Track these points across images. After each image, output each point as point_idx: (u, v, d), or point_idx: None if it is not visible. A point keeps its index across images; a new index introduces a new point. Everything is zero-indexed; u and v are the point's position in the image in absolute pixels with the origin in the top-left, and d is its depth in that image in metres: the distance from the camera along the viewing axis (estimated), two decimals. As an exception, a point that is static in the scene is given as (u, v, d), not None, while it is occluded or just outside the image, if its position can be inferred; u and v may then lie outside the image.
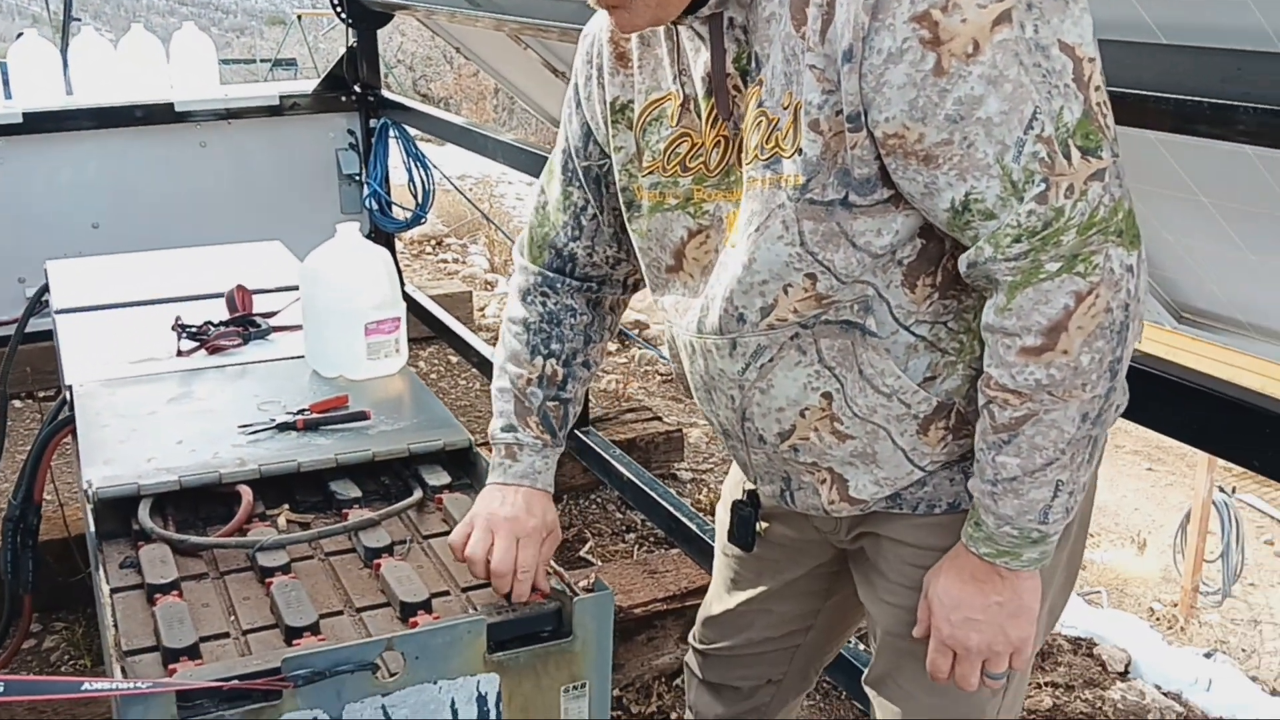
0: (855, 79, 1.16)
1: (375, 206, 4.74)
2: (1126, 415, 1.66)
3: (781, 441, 1.39)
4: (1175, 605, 9.55)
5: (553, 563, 1.54)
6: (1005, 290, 1.18)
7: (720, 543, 1.71)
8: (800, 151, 1.22)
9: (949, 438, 1.35)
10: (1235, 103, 1.43)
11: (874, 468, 1.37)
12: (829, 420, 1.35)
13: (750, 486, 1.56)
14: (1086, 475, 1.26)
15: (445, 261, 7.55)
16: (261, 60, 23.98)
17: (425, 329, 4.69)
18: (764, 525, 1.59)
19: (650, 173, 1.41)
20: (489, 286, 7.09)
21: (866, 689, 1.56)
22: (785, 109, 1.23)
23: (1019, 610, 1.32)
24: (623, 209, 1.49)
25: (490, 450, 1.58)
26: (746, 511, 1.59)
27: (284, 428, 1.86)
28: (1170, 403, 1.58)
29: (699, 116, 1.34)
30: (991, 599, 1.32)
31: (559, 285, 1.58)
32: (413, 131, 4.71)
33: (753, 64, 1.26)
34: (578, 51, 1.51)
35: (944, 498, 1.39)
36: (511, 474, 1.54)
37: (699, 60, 1.32)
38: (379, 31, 4.86)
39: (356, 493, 1.74)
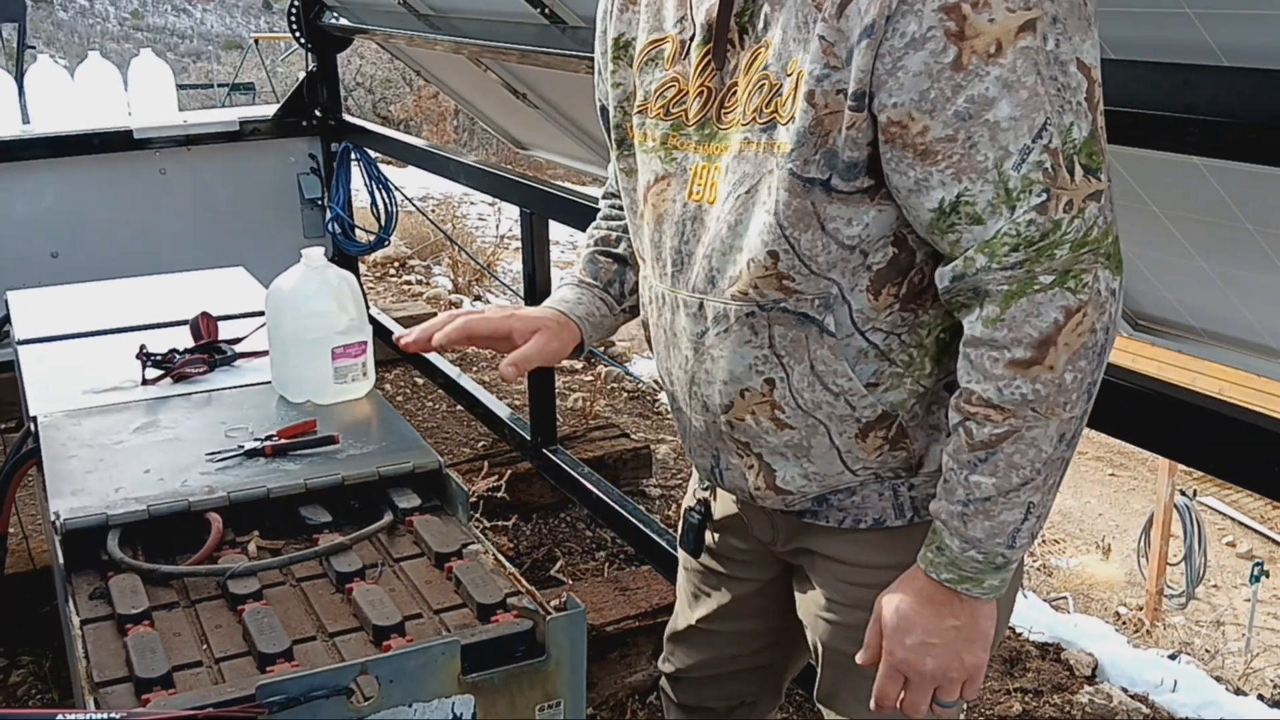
0: (870, 57, 1.15)
1: (338, 230, 4.74)
2: (1088, 423, 1.70)
3: (722, 413, 1.40)
4: (1141, 609, 9.65)
5: (524, 582, 1.54)
6: (999, 300, 1.17)
7: (681, 557, 1.73)
8: (794, 119, 1.21)
9: (885, 448, 1.35)
10: (1184, 115, 1.47)
11: (805, 461, 1.37)
12: (769, 406, 1.35)
13: (702, 495, 1.58)
14: (1053, 501, 1.26)
15: (409, 283, 7.53)
16: (219, 85, 23.85)
17: (391, 351, 4.68)
18: (714, 536, 1.61)
19: (640, 112, 1.42)
20: (453, 307, 7.08)
21: (819, 706, 1.57)
22: (789, 75, 1.22)
23: (975, 635, 1.30)
24: (613, 146, 1.50)
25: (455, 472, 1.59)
26: (695, 519, 1.61)
27: (252, 454, 1.85)
28: (1130, 410, 1.61)
29: (689, 64, 1.35)
30: (948, 623, 1.29)
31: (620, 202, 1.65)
32: (374, 154, 4.71)
33: (759, 22, 1.26)
34: (599, 4, 1.53)
35: (870, 512, 1.40)
36: (549, 301, 1.59)
37: (704, 4, 1.32)
38: (338, 55, 4.86)
39: (327, 517, 1.73)
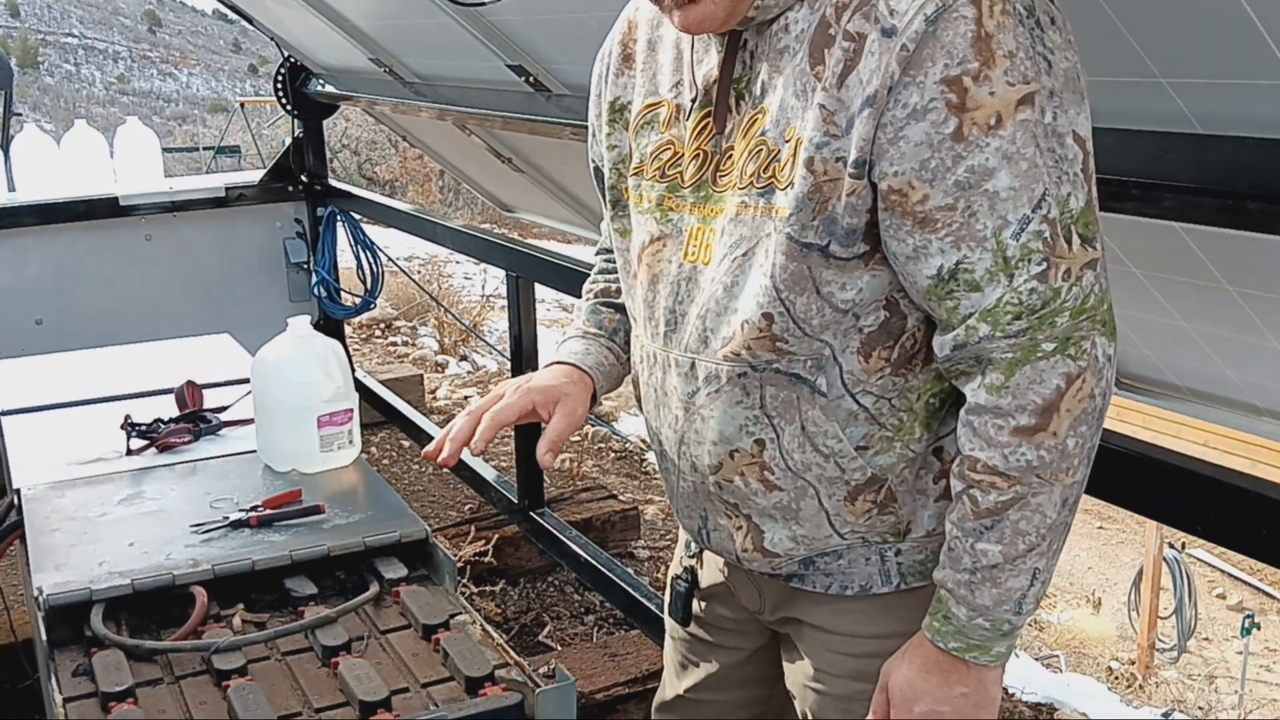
0: (872, 126, 1.17)
1: (324, 294, 4.75)
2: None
3: (710, 475, 1.40)
4: (1133, 664, 9.60)
5: (512, 652, 1.53)
6: (1002, 368, 1.18)
7: (668, 625, 1.72)
8: (792, 185, 1.23)
9: (874, 511, 1.35)
10: (1160, 182, 1.49)
11: (793, 524, 1.37)
12: (758, 468, 1.35)
13: (689, 562, 1.58)
14: (1055, 565, 1.27)
15: (395, 345, 7.54)
16: (205, 148, 24.00)
17: (377, 414, 4.68)
18: (702, 604, 1.60)
19: (636, 174, 1.44)
20: (439, 368, 7.08)
21: None
22: (787, 142, 1.24)
23: (983, 702, 1.30)
24: (607, 207, 1.51)
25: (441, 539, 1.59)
26: (683, 586, 1.60)
27: (237, 525, 1.84)
28: (1116, 471, 1.61)
29: (685, 128, 1.37)
30: (957, 690, 1.29)
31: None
32: (359, 217, 4.74)
33: (756, 89, 1.28)
34: (594, 66, 1.55)
35: (857, 578, 1.40)
36: (557, 355, 1.59)
37: (702, 69, 1.34)
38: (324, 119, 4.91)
39: (313, 589, 1.72)
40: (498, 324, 8.65)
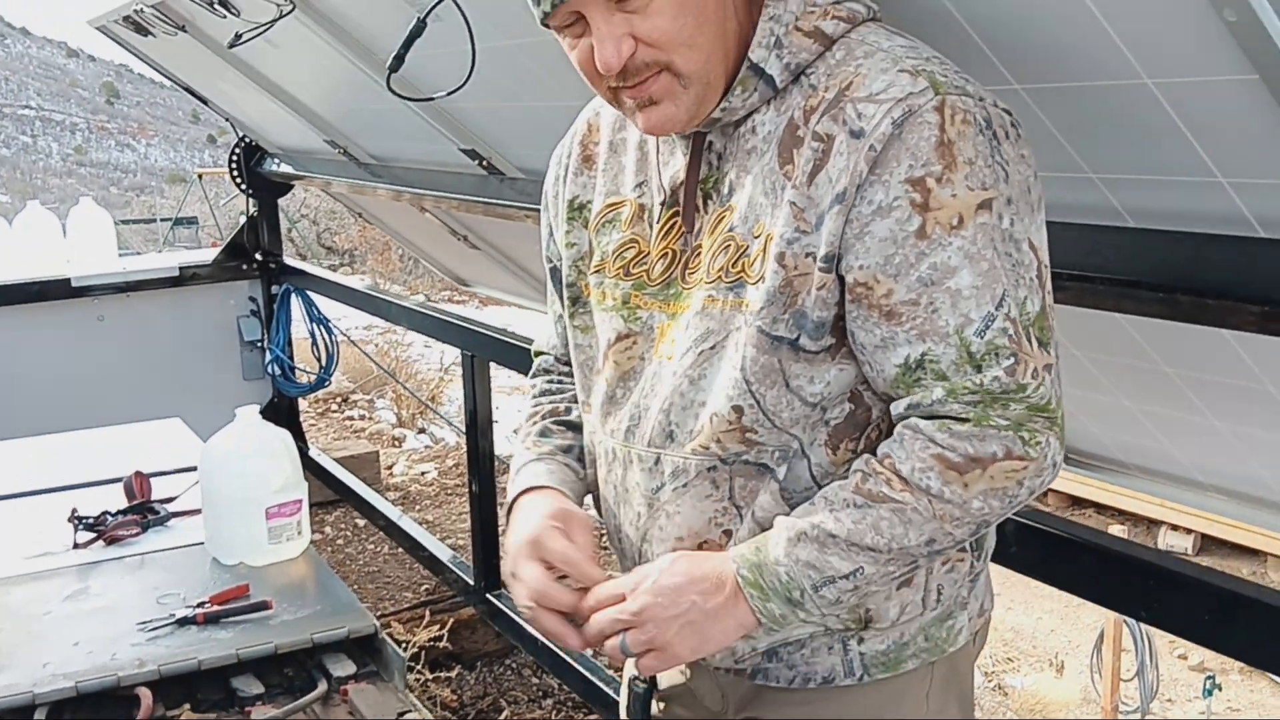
0: (840, 222, 1.19)
1: (278, 372, 4.73)
2: (1022, 570, 1.72)
3: None
4: (1097, 728, 9.57)
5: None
6: (950, 420, 1.18)
7: None
8: (763, 279, 1.25)
9: None
10: (1094, 274, 1.53)
11: None
12: None
13: None
14: (873, 592, 1.26)
15: (351, 419, 7.49)
16: (162, 219, 23.89)
17: (330, 493, 4.64)
18: (661, 706, 1.58)
19: (597, 272, 1.44)
20: (396, 443, 7.04)
21: None
22: (757, 238, 1.26)
23: (718, 626, 1.26)
24: (566, 305, 1.51)
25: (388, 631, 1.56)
26: (641, 689, 1.58)
27: (184, 622, 1.82)
28: (1059, 558, 1.63)
29: (650, 226, 1.38)
30: (712, 600, 1.25)
31: (555, 367, 1.65)
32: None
33: (724, 188, 1.30)
34: (549, 168, 1.56)
35: (819, 669, 1.38)
36: (515, 488, 1.50)
37: (668, 170, 1.36)
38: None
39: (259, 688, 1.70)
40: (458, 393, 8.62)
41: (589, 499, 1.51)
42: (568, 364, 1.62)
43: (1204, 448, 2.21)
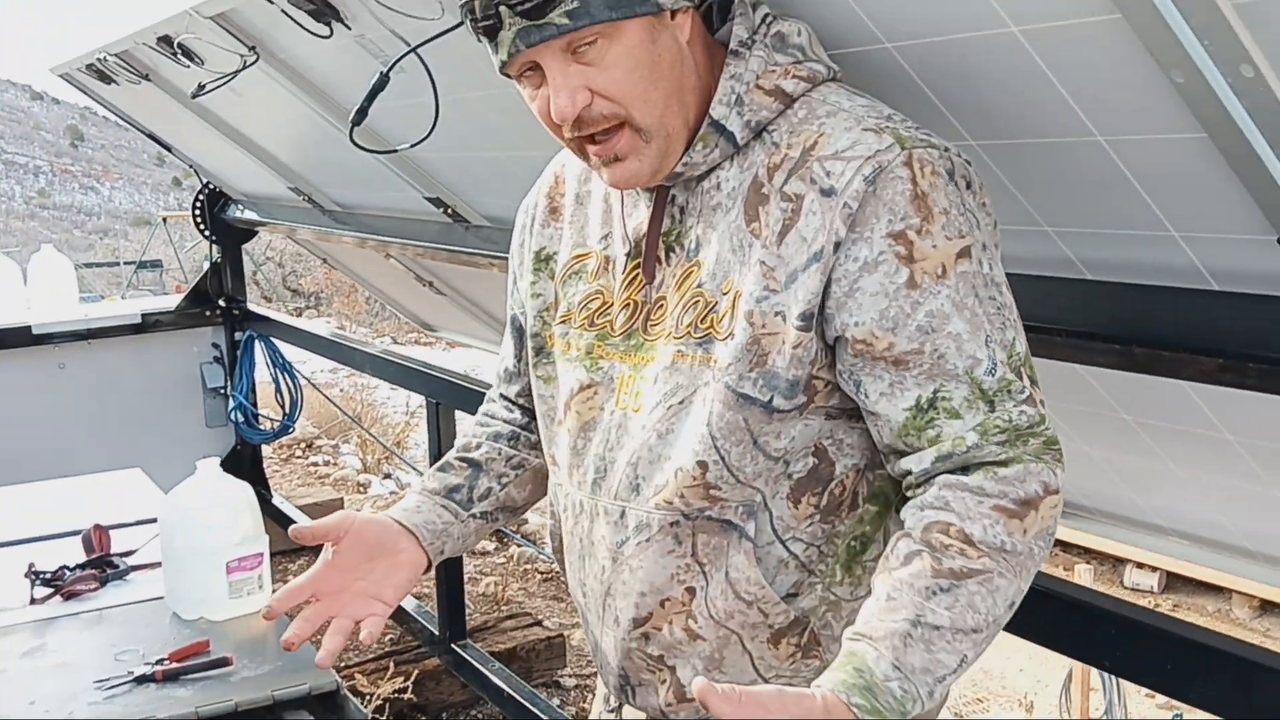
0: (820, 281, 1.20)
1: (241, 419, 4.70)
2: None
3: (635, 628, 1.38)
4: (1067, 768, 9.56)
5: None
6: (991, 466, 1.17)
7: None
8: (732, 335, 1.25)
9: (798, 655, 1.35)
10: (1051, 325, 1.54)
11: (717, 672, 1.36)
12: (685, 616, 1.34)
13: (608, 716, 1.55)
14: (970, 666, 1.22)
15: (316, 464, 7.43)
16: (126, 263, 23.72)
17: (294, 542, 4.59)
18: None
19: (563, 322, 1.45)
20: (361, 489, 6.98)
21: None
22: (725, 294, 1.27)
23: None
24: (530, 355, 1.51)
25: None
26: None
27: (142, 680, 1.79)
28: (1022, 606, 1.63)
29: (614, 278, 1.39)
30: None
31: (499, 406, 1.66)
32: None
33: (689, 242, 1.31)
34: (517, 218, 1.57)
35: None
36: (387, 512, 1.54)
37: (632, 222, 1.37)
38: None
39: (219, 747, 1.68)
40: (425, 436, 8.57)
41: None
42: (509, 399, 1.64)
43: (1165, 494, 2.23)
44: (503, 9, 1.21)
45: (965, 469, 1.19)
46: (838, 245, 1.20)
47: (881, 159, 1.19)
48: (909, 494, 1.24)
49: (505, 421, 1.64)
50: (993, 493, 1.16)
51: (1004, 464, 1.17)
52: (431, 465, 3.45)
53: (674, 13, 1.25)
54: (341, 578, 1.47)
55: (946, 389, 1.19)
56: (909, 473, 1.23)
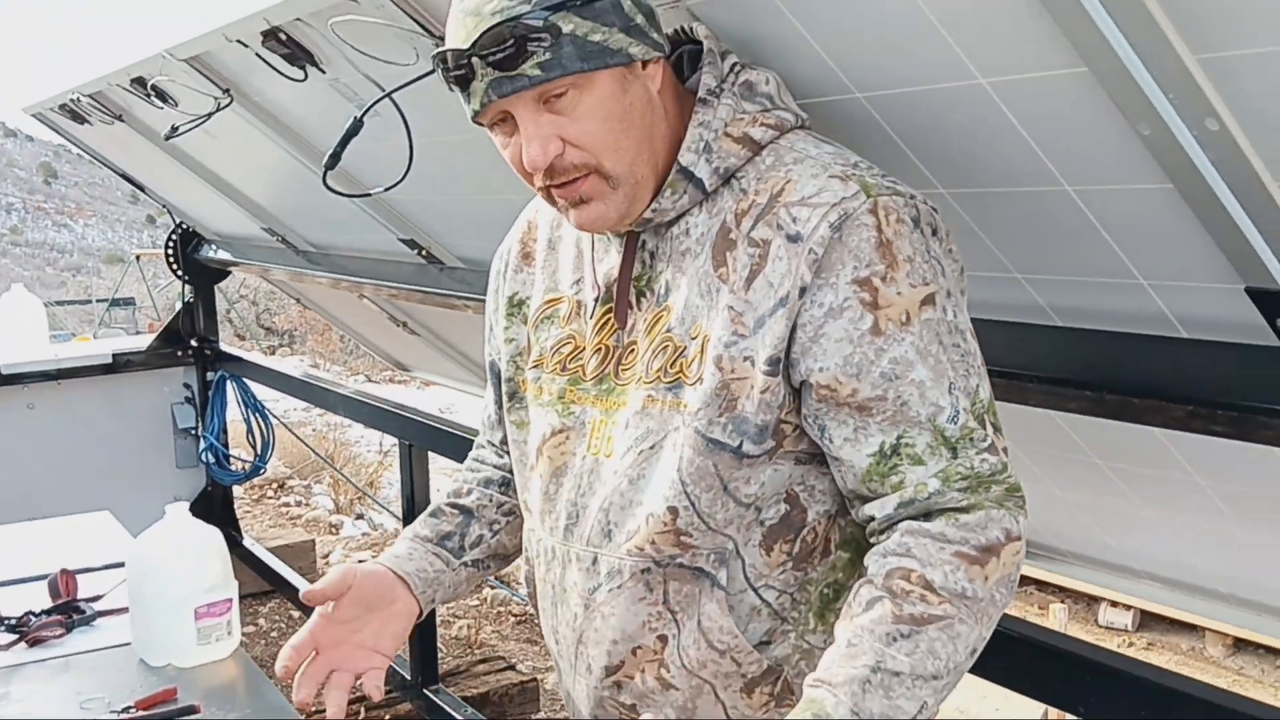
0: (786, 326, 1.20)
1: (212, 460, 4.66)
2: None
3: (606, 676, 1.37)
4: (1042, 809, 9.53)
5: None
6: (953, 513, 1.17)
7: None
8: (701, 380, 1.25)
9: (771, 704, 1.34)
10: (1022, 371, 1.55)
11: None
12: (657, 665, 1.34)
13: None
14: (932, 712, 1.22)
15: (287, 505, 7.37)
16: (99, 300, 23.58)
17: (264, 583, 4.55)
18: None
19: (535, 367, 1.45)
20: (334, 530, 6.93)
21: None
22: (694, 339, 1.27)
23: None
24: (504, 400, 1.51)
25: None
26: None
27: (108, 730, 1.77)
28: (994, 650, 1.62)
29: (586, 323, 1.39)
30: None
31: (489, 452, 1.65)
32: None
33: (659, 287, 1.31)
34: (492, 264, 1.58)
35: None
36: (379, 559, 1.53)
37: (603, 267, 1.37)
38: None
39: (185, 799, 1.65)
40: (398, 476, 8.51)
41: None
42: (496, 445, 1.64)
43: (1137, 536, 2.24)
44: (475, 60, 1.22)
45: (928, 515, 1.19)
46: (803, 291, 1.20)
47: (847, 206, 1.20)
48: (872, 540, 1.24)
49: (495, 467, 1.64)
50: (954, 539, 1.17)
51: (966, 510, 1.18)
52: (403, 507, 3.46)
53: (645, 63, 1.26)
54: (340, 630, 1.47)
55: (909, 435, 1.19)
56: (872, 518, 1.23)
